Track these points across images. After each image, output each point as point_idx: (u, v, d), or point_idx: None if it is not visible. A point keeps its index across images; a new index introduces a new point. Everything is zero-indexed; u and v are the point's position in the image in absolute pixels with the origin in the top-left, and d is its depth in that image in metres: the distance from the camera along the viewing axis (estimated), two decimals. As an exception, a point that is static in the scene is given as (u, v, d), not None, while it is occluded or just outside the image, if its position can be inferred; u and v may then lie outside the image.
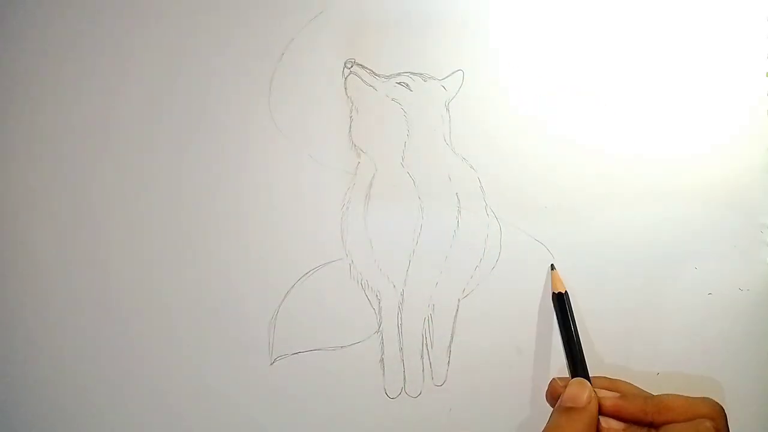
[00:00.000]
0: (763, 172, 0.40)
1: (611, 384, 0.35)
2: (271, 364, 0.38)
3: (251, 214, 0.38)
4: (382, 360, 0.39)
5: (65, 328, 0.37)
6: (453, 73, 0.39)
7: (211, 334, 0.38)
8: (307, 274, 0.38)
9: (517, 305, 0.39)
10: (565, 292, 0.37)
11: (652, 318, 0.39)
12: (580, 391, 0.33)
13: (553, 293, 0.37)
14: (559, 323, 0.36)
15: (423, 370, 0.39)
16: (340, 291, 0.39)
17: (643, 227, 0.40)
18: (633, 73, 0.39)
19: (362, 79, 0.38)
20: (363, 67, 0.38)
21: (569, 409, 0.32)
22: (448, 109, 0.39)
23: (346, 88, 0.38)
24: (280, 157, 0.38)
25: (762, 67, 0.40)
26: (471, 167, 0.39)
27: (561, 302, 0.37)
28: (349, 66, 0.38)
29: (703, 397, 0.32)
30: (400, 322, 0.39)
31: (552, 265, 0.38)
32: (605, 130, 0.39)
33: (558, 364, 0.39)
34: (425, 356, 0.39)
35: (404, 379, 0.39)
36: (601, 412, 0.33)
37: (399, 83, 0.39)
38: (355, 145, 0.39)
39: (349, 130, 0.39)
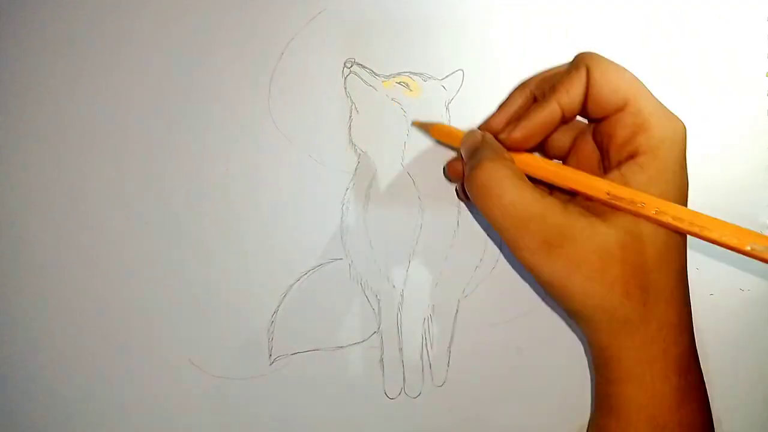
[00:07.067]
0: (763, 172, 0.40)
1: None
2: (270, 364, 0.38)
3: (251, 213, 0.38)
4: (381, 360, 0.39)
5: (62, 328, 0.37)
6: (453, 73, 0.39)
7: (209, 334, 0.38)
8: (307, 274, 0.38)
9: (518, 305, 0.39)
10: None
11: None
12: (471, 135, 0.32)
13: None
14: None
15: (423, 371, 0.39)
16: (339, 291, 0.38)
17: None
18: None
19: (362, 79, 0.38)
20: (363, 67, 0.38)
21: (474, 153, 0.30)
22: (448, 109, 0.39)
23: (346, 88, 0.38)
24: (280, 157, 0.38)
25: (762, 67, 0.40)
26: (471, 167, 0.39)
27: None
28: (349, 66, 0.38)
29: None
30: (399, 323, 0.39)
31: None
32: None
33: (558, 364, 0.39)
34: (425, 357, 0.39)
35: (404, 379, 0.39)
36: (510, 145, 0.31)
37: (399, 83, 0.39)
38: (355, 145, 0.39)
39: (349, 130, 0.39)
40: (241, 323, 0.38)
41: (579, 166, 0.32)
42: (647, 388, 0.29)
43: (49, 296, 0.37)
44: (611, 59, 0.31)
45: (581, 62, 0.30)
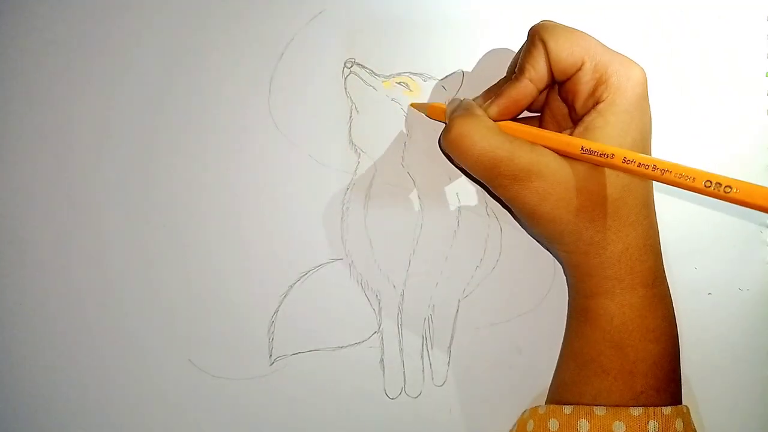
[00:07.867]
0: (764, 172, 0.40)
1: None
2: (271, 364, 0.38)
3: (251, 213, 0.38)
4: (382, 360, 0.39)
5: (62, 328, 0.37)
6: (453, 73, 0.39)
7: (210, 334, 0.38)
8: (307, 274, 0.38)
9: (518, 305, 0.39)
10: None
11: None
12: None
13: None
14: None
15: (423, 371, 0.39)
16: (340, 291, 0.38)
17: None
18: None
19: (362, 79, 0.38)
20: (363, 67, 0.38)
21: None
22: (448, 109, 0.39)
23: (346, 88, 0.38)
24: (280, 157, 0.38)
25: (762, 67, 0.41)
26: (471, 167, 0.39)
27: None
28: (349, 66, 0.38)
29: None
30: (400, 323, 0.39)
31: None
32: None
33: (558, 365, 0.39)
34: (425, 356, 0.39)
35: (404, 379, 0.39)
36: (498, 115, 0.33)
37: (399, 83, 0.39)
38: (355, 145, 0.39)
39: (349, 130, 0.39)
40: (241, 323, 0.38)
41: (552, 119, 0.36)
42: (617, 300, 0.32)
43: (49, 296, 0.37)
44: (562, 23, 0.33)
45: (536, 36, 0.33)
